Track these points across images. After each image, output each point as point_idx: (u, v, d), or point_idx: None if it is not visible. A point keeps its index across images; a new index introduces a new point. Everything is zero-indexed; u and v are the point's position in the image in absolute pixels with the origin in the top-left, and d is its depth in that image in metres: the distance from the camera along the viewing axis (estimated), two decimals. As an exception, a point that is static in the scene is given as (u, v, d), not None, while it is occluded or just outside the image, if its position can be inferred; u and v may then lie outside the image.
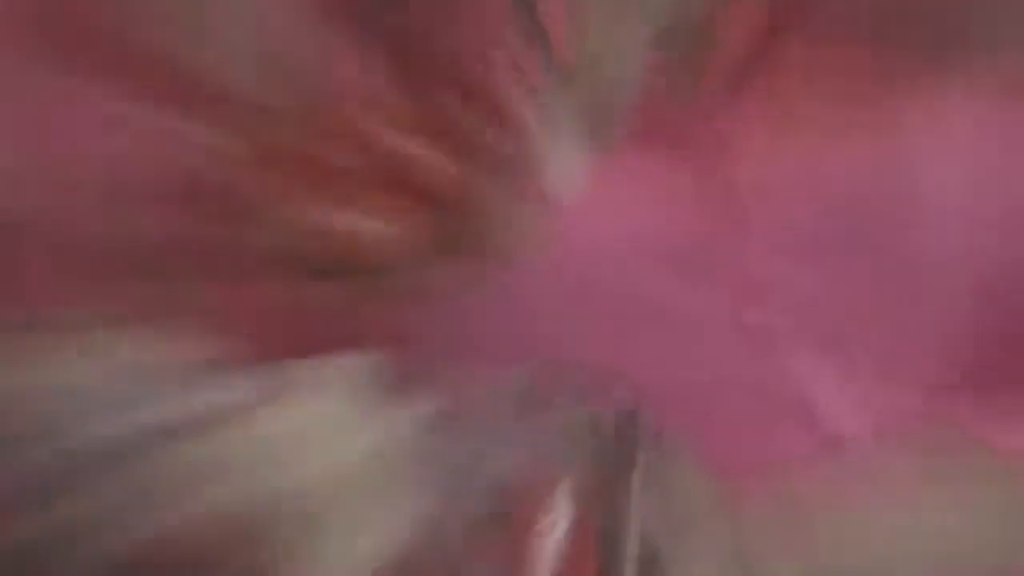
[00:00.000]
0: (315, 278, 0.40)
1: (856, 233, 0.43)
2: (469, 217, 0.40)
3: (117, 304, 0.39)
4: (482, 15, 0.41)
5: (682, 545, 0.38)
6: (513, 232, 0.41)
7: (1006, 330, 0.43)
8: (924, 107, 0.43)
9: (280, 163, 0.40)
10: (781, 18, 0.43)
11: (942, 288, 0.43)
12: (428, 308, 0.41)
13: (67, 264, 0.39)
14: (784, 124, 0.43)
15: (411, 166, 0.40)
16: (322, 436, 0.37)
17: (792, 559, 0.39)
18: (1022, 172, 0.43)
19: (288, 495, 0.36)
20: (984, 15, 0.43)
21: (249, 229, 0.40)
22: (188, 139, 0.39)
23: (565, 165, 0.41)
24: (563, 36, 0.41)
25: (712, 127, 0.43)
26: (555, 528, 0.37)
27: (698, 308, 0.43)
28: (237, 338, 0.39)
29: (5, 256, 0.39)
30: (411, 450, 0.37)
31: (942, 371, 0.43)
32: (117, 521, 0.36)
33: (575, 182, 0.41)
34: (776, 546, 0.39)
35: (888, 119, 0.43)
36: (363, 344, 0.39)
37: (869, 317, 0.43)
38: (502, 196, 0.41)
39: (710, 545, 0.38)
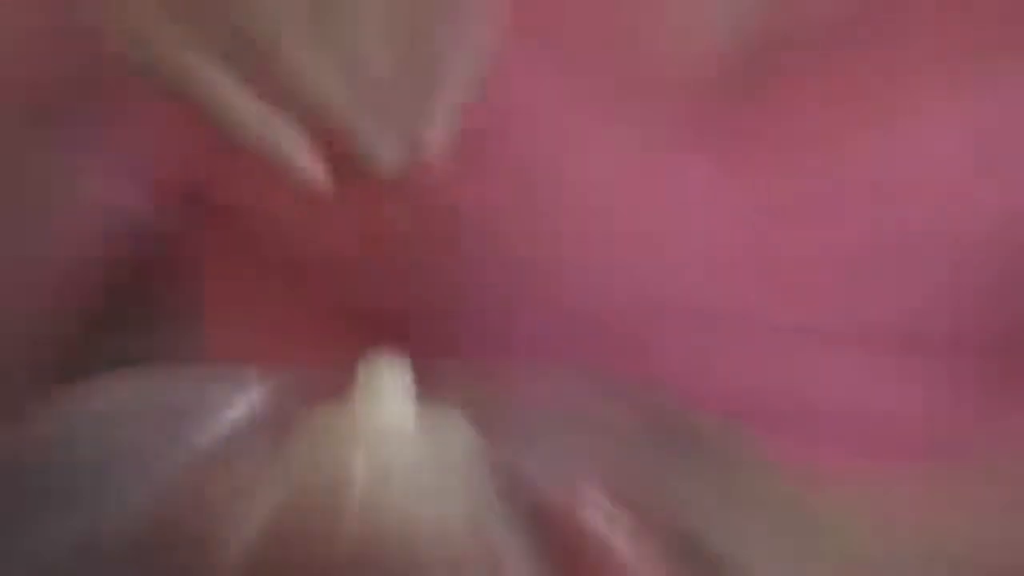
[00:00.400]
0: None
1: (902, 230, 0.42)
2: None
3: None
4: None
5: (746, 547, 0.37)
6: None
7: None
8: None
9: None
10: None
11: (995, 283, 0.42)
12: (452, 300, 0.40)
13: None
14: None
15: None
16: (371, 443, 0.37)
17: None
18: None
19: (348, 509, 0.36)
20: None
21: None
22: None
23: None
24: None
25: (760, 119, 0.42)
26: (604, 530, 0.37)
27: (736, 308, 0.41)
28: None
29: None
30: (460, 453, 0.37)
31: (1004, 369, 0.42)
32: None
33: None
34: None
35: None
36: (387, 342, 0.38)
37: (920, 315, 0.42)
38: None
39: (778, 547, 0.37)
